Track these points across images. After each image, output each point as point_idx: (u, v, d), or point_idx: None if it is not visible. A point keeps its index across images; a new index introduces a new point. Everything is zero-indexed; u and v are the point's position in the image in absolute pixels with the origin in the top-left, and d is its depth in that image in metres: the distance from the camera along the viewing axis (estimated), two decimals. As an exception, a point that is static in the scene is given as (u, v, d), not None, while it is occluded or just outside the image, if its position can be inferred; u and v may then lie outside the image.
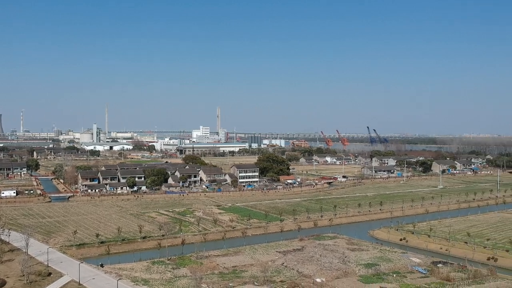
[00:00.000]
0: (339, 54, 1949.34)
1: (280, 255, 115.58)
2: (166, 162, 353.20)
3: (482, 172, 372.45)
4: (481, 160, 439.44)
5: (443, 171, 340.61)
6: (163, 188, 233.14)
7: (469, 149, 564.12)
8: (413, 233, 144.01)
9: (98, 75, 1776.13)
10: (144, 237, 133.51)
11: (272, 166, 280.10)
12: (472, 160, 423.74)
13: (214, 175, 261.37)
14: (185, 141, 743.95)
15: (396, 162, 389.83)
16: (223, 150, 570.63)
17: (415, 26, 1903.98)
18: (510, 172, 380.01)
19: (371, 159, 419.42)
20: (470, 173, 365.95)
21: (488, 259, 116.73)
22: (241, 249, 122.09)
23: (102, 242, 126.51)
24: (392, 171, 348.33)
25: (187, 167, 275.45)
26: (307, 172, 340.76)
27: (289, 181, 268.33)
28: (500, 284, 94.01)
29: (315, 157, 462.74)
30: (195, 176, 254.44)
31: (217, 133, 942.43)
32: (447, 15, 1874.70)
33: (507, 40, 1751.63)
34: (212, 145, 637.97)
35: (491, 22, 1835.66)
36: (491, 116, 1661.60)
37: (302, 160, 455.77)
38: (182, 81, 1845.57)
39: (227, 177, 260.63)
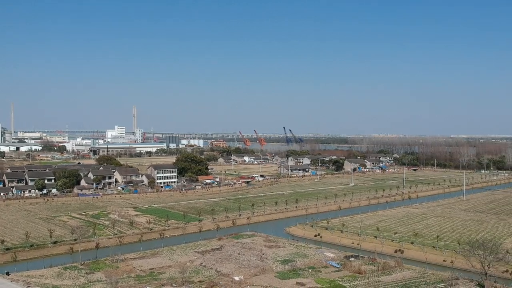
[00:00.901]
0: (256, 55, 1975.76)
1: (198, 255, 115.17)
2: (79, 163, 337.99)
3: (390, 170, 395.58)
4: (388, 158, 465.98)
5: (354, 169, 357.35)
6: (76, 190, 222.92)
7: (378, 148, 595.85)
8: (327, 229, 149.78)
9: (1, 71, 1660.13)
10: (55, 242, 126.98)
11: (191, 166, 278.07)
12: (381, 159, 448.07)
13: (130, 176, 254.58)
14: (99, 141, 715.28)
15: (310, 161, 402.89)
16: (140, 151, 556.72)
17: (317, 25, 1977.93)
18: (415, 170, 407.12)
19: (287, 159, 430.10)
20: (378, 171, 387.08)
21: (396, 251, 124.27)
22: (159, 251, 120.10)
23: (7, 249, 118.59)
24: (307, 169, 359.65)
25: (101, 168, 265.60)
26: (225, 171, 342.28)
27: (208, 181, 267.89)
28: (406, 274, 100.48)
29: (233, 157, 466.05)
30: (109, 178, 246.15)
31: (133, 133, 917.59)
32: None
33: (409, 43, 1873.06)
34: (128, 146, 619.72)
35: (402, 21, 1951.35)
36: (397, 118, 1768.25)
37: (220, 160, 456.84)
38: (96, 79, 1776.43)
39: (144, 178, 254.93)
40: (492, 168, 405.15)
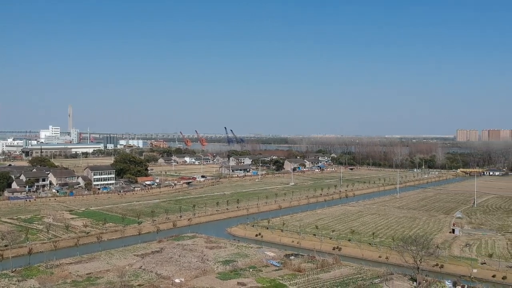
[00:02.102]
0: (196, 54, 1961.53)
1: (138, 259, 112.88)
2: (10, 165, 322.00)
3: (328, 169, 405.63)
4: (327, 158, 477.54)
5: (294, 169, 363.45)
6: (6, 193, 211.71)
7: (317, 148, 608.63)
8: (267, 228, 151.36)
9: None
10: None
11: (130, 167, 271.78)
12: (319, 159, 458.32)
13: (66, 178, 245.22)
14: (32, 142, 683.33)
15: (251, 161, 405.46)
16: (76, 152, 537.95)
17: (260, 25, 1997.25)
18: (351, 169, 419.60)
19: (229, 159, 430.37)
20: (317, 170, 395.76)
21: (334, 248, 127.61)
22: (96, 255, 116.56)
23: None
24: (248, 169, 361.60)
25: (34, 170, 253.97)
26: (166, 172, 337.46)
27: (148, 182, 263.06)
28: (343, 271, 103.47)
29: (174, 158, 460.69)
30: (43, 180, 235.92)
31: (69, 133, 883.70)
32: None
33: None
34: (63, 146, 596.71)
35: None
36: (335, 118, 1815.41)
37: (161, 160, 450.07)
38: (29, 77, 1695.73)
39: (80, 180, 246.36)
40: (423, 167, 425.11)
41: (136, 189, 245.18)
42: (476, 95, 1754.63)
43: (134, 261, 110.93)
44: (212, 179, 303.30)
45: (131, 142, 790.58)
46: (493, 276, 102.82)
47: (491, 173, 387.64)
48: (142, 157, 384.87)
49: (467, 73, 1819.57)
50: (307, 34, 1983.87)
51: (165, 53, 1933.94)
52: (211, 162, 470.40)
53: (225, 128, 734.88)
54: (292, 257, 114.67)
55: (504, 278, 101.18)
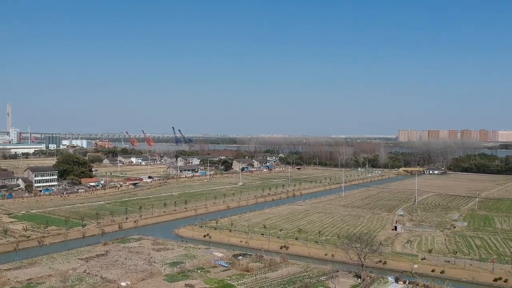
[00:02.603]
0: (142, 54, 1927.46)
1: (82, 262, 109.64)
2: None
3: (276, 169, 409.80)
4: (275, 158, 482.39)
5: (243, 169, 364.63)
6: None
7: (265, 148, 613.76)
8: (216, 229, 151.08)
9: None
10: None
11: (73, 168, 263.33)
12: (267, 158, 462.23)
13: (4, 179, 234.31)
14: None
15: (200, 161, 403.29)
16: (15, 152, 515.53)
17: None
18: (299, 169, 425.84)
19: (177, 159, 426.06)
20: (265, 170, 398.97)
21: (281, 247, 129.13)
22: (38, 260, 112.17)
23: None
24: (196, 170, 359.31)
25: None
26: (111, 173, 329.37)
27: (92, 183, 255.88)
28: (291, 270, 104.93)
29: (120, 158, 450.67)
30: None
31: (8, 133, 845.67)
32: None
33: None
34: (1, 146, 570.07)
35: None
36: (283, 119, 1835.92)
37: (106, 161, 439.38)
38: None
39: (20, 181, 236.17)
40: (367, 166, 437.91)
41: (80, 190, 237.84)
42: (417, 96, 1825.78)
43: (78, 265, 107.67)
44: (159, 179, 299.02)
45: (74, 142, 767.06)
46: (432, 270, 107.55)
47: (430, 172, 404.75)
48: (86, 158, 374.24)
49: (408, 74, 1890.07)
50: (255, 33, 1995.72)
51: (109, 52, 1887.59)
52: (158, 162, 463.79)
53: (173, 128, 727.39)
54: (240, 257, 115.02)
55: (442, 272, 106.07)
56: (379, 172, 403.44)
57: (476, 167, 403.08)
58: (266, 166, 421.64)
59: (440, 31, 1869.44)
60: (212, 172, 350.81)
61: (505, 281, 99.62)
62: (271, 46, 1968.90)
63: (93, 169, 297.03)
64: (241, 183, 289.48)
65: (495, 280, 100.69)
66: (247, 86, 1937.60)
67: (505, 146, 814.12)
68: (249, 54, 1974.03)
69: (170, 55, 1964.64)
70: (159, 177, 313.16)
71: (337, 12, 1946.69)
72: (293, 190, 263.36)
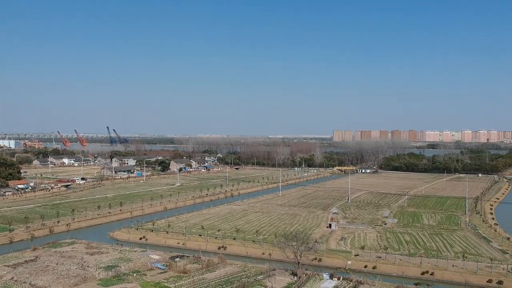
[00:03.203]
0: (65, 53, 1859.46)
1: (9, 269, 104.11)
2: None
3: (214, 169, 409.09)
4: (213, 158, 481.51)
5: (180, 169, 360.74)
6: None
7: (203, 148, 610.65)
8: (152, 231, 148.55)
9: None
10: None
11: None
12: (206, 159, 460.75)
13: None
14: None
15: (136, 162, 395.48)
16: None
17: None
18: (237, 169, 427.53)
19: (111, 160, 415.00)
20: (204, 170, 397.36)
21: (219, 248, 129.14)
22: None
23: None
24: (132, 171, 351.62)
25: None
26: (42, 175, 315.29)
27: (21, 186, 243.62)
28: (228, 270, 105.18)
29: (51, 159, 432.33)
30: None
31: None
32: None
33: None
34: None
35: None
36: (221, 118, 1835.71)
37: (36, 162, 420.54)
38: None
39: None
40: (303, 165, 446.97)
41: (7, 193, 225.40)
42: (350, 97, 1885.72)
43: (5, 272, 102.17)
44: (93, 181, 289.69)
45: (1, 143, 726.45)
46: (365, 266, 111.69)
47: (363, 171, 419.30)
48: (14, 159, 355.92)
49: (341, 75, 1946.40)
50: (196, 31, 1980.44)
51: (32, 49, 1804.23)
52: (92, 163, 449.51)
53: (107, 127, 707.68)
54: (177, 259, 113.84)
55: (374, 267, 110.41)
56: (315, 171, 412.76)
57: (405, 166, 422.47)
58: (204, 166, 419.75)
59: (368, 31, 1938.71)
60: (148, 173, 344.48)
61: (431, 274, 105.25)
62: (196, 43, 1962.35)
63: (22, 171, 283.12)
64: (179, 184, 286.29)
65: (423, 273, 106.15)
66: (183, 86, 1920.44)
67: (432, 145, 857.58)
68: (182, 53, 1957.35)
69: (98, 56, 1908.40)
70: (93, 178, 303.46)
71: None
72: (231, 190, 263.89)
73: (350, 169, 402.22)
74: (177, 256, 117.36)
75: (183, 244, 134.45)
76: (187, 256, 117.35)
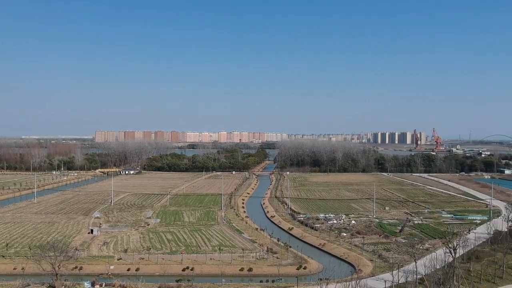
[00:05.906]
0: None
1: None
2: None
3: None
4: None
5: None
6: None
7: None
8: None
9: None
10: None
11: None
12: None
13: None
14: None
15: None
16: None
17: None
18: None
19: None
20: None
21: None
22: None
23: None
24: None
25: None
26: None
27: None
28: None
29: None
30: None
31: None
32: None
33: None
34: None
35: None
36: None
37: None
38: None
39: None
40: (63, 168, 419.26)
41: None
42: (114, 97, 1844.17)
43: None
44: None
45: None
46: (128, 269, 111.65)
47: (126, 172, 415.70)
48: None
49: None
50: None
51: None
52: None
53: None
54: None
55: (137, 269, 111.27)
56: (76, 174, 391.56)
57: (168, 166, 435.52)
58: None
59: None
60: None
61: (192, 269, 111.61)
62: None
63: None
64: None
65: (184, 269, 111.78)
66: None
67: (192, 146, 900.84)
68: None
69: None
70: None
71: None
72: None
73: (113, 171, 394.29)
74: None
75: None
76: None
